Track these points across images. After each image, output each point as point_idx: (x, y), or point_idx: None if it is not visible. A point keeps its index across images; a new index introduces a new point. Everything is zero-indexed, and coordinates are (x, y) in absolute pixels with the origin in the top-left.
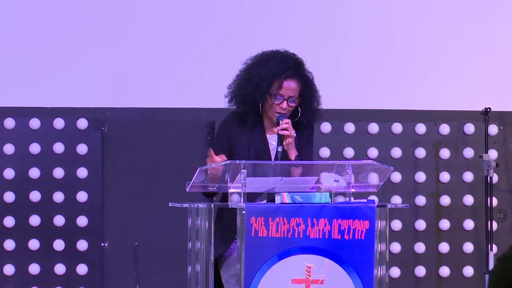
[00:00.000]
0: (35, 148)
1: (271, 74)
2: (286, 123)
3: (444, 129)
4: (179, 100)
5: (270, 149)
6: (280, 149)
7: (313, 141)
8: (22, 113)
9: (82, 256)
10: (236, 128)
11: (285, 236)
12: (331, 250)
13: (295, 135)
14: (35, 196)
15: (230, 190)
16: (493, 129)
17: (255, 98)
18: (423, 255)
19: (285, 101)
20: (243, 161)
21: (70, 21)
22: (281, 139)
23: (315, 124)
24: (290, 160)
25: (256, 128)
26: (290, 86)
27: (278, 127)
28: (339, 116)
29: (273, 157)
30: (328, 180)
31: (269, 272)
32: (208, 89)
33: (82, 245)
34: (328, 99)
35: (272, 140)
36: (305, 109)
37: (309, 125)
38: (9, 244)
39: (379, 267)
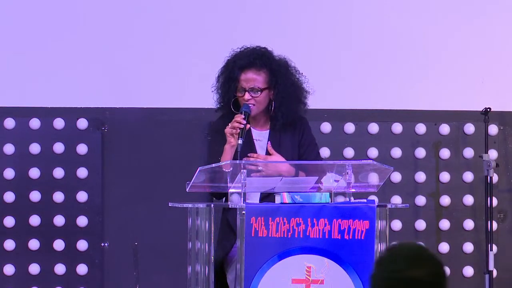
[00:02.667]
0: (35, 148)
1: (232, 72)
2: (235, 120)
3: (444, 129)
4: (179, 100)
5: (256, 145)
6: (240, 141)
7: (313, 137)
8: (22, 113)
9: (82, 256)
10: (224, 125)
11: (285, 236)
12: (331, 250)
13: (243, 125)
14: (35, 196)
15: (230, 190)
16: (493, 129)
17: (229, 100)
18: None
19: (246, 92)
20: (243, 161)
21: (70, 21)
22: (241, 132)
23: (314, 123)
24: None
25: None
26: (247, 77)
27: (228, 129)
28: (339, 116)
29: (259, 150)
30: (328, 180)
31: (269, 272)
32: (208, 89)
33: (82, 245)
34: (328, 99)
35: (260, 137)
36: (279, 101)
37: (299, 119)
38: (9, 244)
39: None
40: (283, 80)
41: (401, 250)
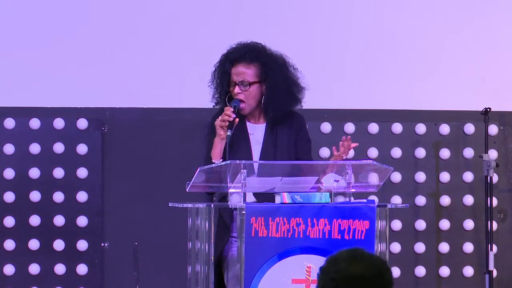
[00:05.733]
0: (35, 148)
1: (223, 66)
2: (224, 113)
3: (444, 129)
4: (179, 100)
5: (250, 139)
6: (229, 133)
7: (308, 135)
8: (22, 113)
9: (82, 256)
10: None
11: (285, 236)
12: (331, 250)
13: (232, 118)
14: (35, 196)
15: (230, 190)
16: (493, 129)
17: (220, 94)
18: (423, 255)
19: (236, 86)
20: (243, 161)
21: (70, 21)
22: (231, 124)
23: (314, 123)
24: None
25: (239, 122)
26: (237, 71)
27: (217, 121)
28: (339, 116)
29: (254, 147)
30: (328, 180)
31: (269, 272)
32: (208, 89)
33: (82, 245)
34: (328, 99)
35: (255, 130)
36: (269, 94)
37: (297, 117)
38: (9, 244)
39: None
40: (274, 73)
41: (341, 254)
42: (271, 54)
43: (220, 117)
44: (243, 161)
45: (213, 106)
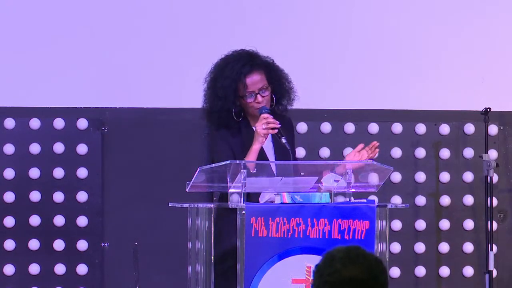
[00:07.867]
0: (35, 148)
1: (232, 80)
2: (267, 121)
3: (444, 129)
4: (179, 100)
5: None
6: (284, 140)
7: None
8: (22, 113)
9: (82, 256)
10: (227, 134)
11: (285, 236)
12: None
13: (279, 124)
14: (35, 196)
15: (230, 190)
16: (493, 129)
17: (229, 109)
18: (423, 255)
19: (258, 95)
20: (243, 161)
21: (70, 21)
22: (279, 131)
23: (314, 123)
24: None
25: (242, 128)
26: (253, 80)
27: (263, 129)
28: (339, 116)
29: (267, 152)
30: (328, 180)
31: (269, 272)
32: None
33: (82, 245)
34: (328, 99)
35: None
36: (278, 93)
37: (289, 119)
38: (9, 244)
39: None
40: (277, 74)
41: (337, 252)
42: (264, 57)
43: (262, 125)
44: (243, 161)
45: (210, 119)
